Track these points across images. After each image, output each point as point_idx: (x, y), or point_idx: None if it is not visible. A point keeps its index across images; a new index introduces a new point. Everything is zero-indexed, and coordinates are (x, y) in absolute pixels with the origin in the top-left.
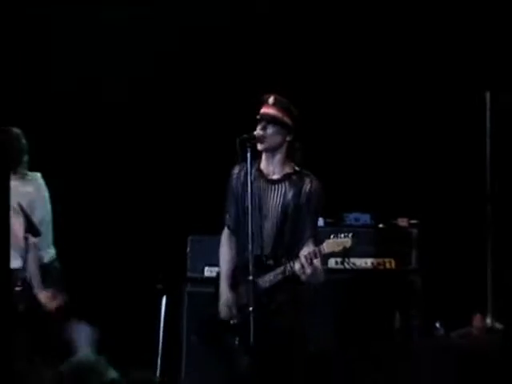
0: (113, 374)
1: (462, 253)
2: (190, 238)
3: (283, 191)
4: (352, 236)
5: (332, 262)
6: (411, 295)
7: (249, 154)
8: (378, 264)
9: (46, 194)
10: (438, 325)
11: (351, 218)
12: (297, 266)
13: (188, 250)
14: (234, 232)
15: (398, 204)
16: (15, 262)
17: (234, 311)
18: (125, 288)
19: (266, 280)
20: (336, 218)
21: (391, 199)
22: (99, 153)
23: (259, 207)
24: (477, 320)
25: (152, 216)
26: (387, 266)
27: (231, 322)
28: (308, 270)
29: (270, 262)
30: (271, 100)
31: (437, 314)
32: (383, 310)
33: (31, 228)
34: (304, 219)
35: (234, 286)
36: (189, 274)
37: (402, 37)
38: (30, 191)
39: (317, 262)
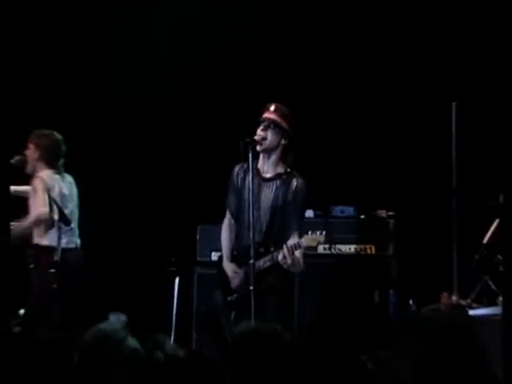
0: (133, 342)
1: (432, 240)
2: (199, 227)
3: (274, 188)
4: (325, 234)
5: (321, 249)
6: (388, 276)
7: (250, 155)
8: (361, 250)
9: (76, 191)
10: (411, 302)
11: (337, 210)
12: (280, 256)
13: (197, 237)
14: (235, 218)
15: (378, 198)
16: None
17: (241, 276)
18: (144, 270)
19: (256, 265)
20: (324, 211)
21: (372, 194)
22: (121, 153)
23: (254, 201)
24: (444, 298)
25: (167, 209)
26: (368, 251)
27: (229, 299)
28: (289, 261)
29: (261, 249)
30: (273, 107)
31: (410, 292)
32: (365, 289)
33: (63, 218)
34: (291, 214)
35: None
36: (198, 259)
37: (380, 51)
38: (66, 193)
39: (298, 253)
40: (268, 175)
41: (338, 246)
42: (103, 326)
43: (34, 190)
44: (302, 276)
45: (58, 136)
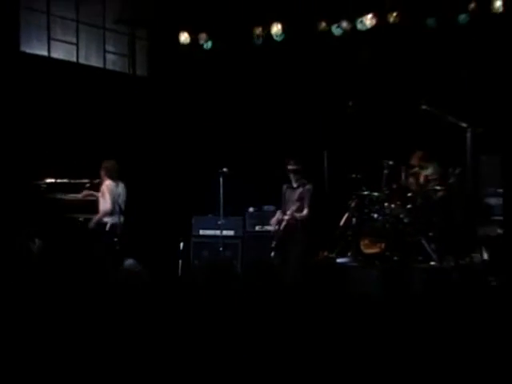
0: (145, 274)
1: (312, 221)
2: (194, 217)
3: (298, 191)
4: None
5: (257, 228)
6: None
7: (221, 178)
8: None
9: (125, 192)
10: None
11: (265, 207)
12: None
13: (193, 221)
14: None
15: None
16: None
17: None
18: (163, 239)
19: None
20: (260, 208)
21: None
22: (147, 163)
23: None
24: (321, 253)
25: (177, 205)
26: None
27: (272, 244)
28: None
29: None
30: (292, 161)
31: (319, 244)
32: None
33: (119, 209)
34: (306, 200)
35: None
36: (193, 233)
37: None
38: (121, 192)
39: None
40: (294, 186)
41: (267, 227)
42: (127, 265)
43: (103, 193)
44: (248, 240)
45: (114, 162)
